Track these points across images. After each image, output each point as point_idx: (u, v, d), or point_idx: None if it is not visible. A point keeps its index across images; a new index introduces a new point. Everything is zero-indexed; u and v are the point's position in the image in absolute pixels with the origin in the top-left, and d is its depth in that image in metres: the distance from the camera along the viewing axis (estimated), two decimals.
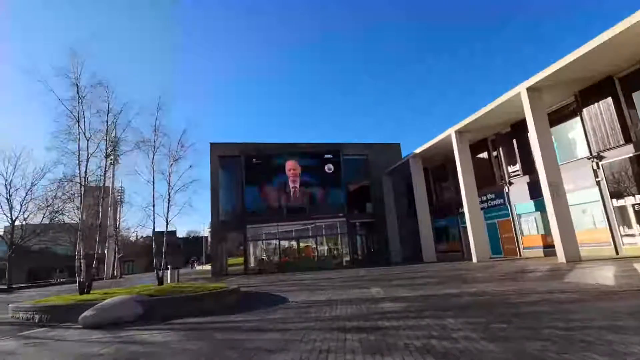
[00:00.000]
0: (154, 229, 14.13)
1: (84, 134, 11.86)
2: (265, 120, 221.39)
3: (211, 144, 27.85)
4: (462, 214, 22.48)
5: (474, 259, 17.64)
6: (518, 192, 18.20)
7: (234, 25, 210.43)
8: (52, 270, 41.41)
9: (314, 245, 27.19)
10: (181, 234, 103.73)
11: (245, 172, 26.95)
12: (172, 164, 14.51)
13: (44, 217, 22.65)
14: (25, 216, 22.91)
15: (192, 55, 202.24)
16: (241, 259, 26.81)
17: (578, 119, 14.88)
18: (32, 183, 22.22)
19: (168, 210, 14.11)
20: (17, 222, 23.75)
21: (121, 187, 53.23)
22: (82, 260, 11.52)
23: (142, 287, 11.69)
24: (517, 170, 18.43)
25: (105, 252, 36.37)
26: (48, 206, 22.89)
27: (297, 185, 27.39)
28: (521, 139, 17.90)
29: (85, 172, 11.82)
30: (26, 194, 22.24)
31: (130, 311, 7.89)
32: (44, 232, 28.65)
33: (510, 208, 18.71)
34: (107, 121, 12.50)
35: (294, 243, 27.59)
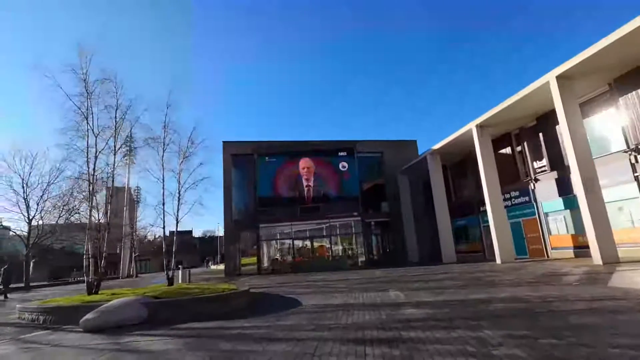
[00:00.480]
0: (164, 227, 13.83)
1: (92, 130, 11.61)
2: (277, 120, 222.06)
3: (224, 142, 27.61)
4: (484, 212, 21.47)
5: (498, 260, 16.67)
6: (545, 189, 17.11)
7: (242, 25, 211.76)
8: (72, 269, 42.24)
9: (328, 245, 26.57)
10: (197, 233, 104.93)
11: (258, 171, 26.57)
12: (182, 161, 14.19)
13: (60, 217, 22.84)
14: (42, 215, 23.15)
15: (202, 56, 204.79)
16: (255, 259, 26.47)
17: (613, 109, 13.76)
18: (48, 182, 22.42)
19: (178, 209, 13.82)
20: (34, 222, 24.12)
21: (137, 186, 54.05)
22: (90, 260, 11.26)
23: (151, 288, 11.33)
24: (544, 166, 17.34)
25: (121, 251, 36.72)
26: (64, 205, 23.08)
27: (311, 183, 26.83)
28: (548, 133, 16.83)
29: (94, 169, 11.56)
30: (43, 192, 22.47)
31: (134, 314, 7.47)
32: (61, 232, 29.07)
33: (537, 206, 17.62)
34: (115, 117, 12.24)
35: (307, 243, 27.06)
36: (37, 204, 22.26)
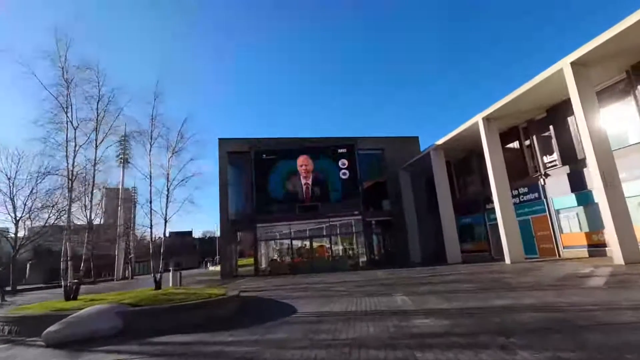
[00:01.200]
0: (150, 227, 12.88)
1: (71, 122, 10.70)
2: (274, 119, 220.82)
3: (220, 139, 26.69)
4: (490, 210, 20.60)
5: (507, 260, 15.77)
6: (556, 184, 16.19)
7: (240, 18, 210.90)
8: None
9: (328, 245, 25.65)
10: (197, 234, 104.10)
11: (255, 169, 25.67)
12: (171, 157, 13.27)
13: (49, 217, 21.92)
14: (31, 216, 22.23)
15: (196, 48, 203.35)
16: (252, 260, 25.57)
17: (631, 98, 12.85)
18: (36, 180, 21.51)
19: (167, 207, 12.89)
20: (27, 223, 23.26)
21: (134, 187, 53.13)
22: (68, 262, 10.36)
23: (135, 293, 10.44)
24: (555, 161, 16.43)
25: (116, 253, 35.82)
26: (54, 205, 22.16)
27: (309, 181, 25.93)
28: (559, 125, 15.93)
29: (73, 164, 10.66)
30: (30, 191, 21.56)
31: (106, 325, 6.57)
32: (54, 232, 28.18)
33: (547, 203, 16.70)
34: (97, 109, 11.33)
35: (306, 243, 26.14)
36: (24, 204, 21.40)
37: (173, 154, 13.39)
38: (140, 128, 13.03)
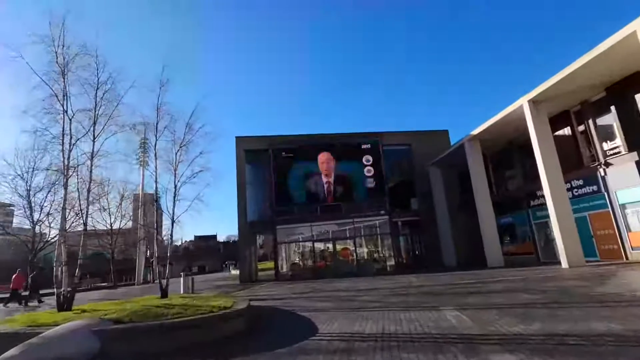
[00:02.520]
0: (156, 229, 11.67)
1: (66, 112, 9.62)
2: (293, 117, 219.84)
3: (237, 137, 25.57)
4: (535, 207, 18.32)
5: (564, 264, 13.50)
6: (620, 174, 13.79)
7: (252, 16, 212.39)
8: (100, 274, 42.02)
9: (352, 248, 23.91)
10: (221, 238, 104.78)
11: (273, 167, 24.36)
12: (178, 151, 12.04)
13: (67, 219, 21.38)
14: (50, 220, 21.86)
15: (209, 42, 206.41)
16: (272, 264, 24.24)
17: None
18: (53, 183, 21.08)
19: (174, 206, 11.66)
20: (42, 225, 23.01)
21: (155, 190, 53.29)
22: (62, 268, 9.23)
23: (133, 303, 9.18)
24: (618, 147, 14.06)
25: (137, 256, 35.49)
26: (71, 208, 21.67)
27: (332, 180, 24.34)
28: (623, 105, 13.56)
29: (69, 159, 9.55)
30: (47, 193, 21.15)
31: (78, 348, 5.18)
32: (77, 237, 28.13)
33: (609, 196, 14.30)
34: (95, 97, 10.24)
35: (329, 245, 24.51)
36: (41, 207, 21.04)
37: (181, 147, 12.15)
38: (145, 119, 11.88)
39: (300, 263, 24.37)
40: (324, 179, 24.35)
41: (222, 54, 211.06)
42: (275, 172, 24.27)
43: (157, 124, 11.77)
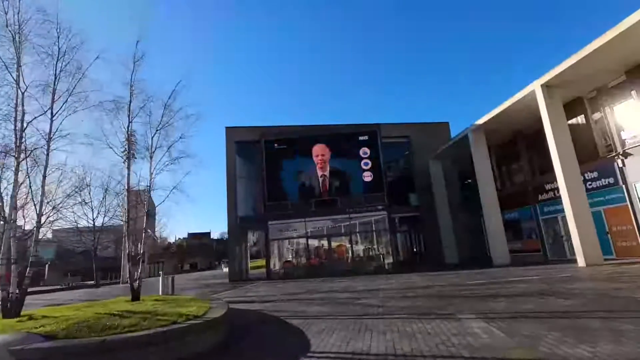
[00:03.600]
0: (127, 221, 10.22)
1: (18, 85, 8.21)
2: (287, 108, 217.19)
3: (227, 128, 24.22)
4: (544, 202, 17.24)
5: (580, 262, 12.37)
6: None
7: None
8: (91, 272, 40.63)
9: (348, 245, 22.68)
10: (215, 235, 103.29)
11: (266, 160, 23.00)
12: (155, 134, 10.67)
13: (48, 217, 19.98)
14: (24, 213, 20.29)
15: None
16: (264, 261, 22.94)
17: None
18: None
19: (149, 197, 10.32)
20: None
21: (147, 186, 51.69)
22: (13, 266, 7.85)
23: (110, 304, 7.89)
24: (638, 136, 12.95)
25: (121, 254, 33.83)
26: (49, 202, 20.25)
27: (327, 173, 23.04)
28: None
29: (20, 139, 8.15)
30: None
31: None
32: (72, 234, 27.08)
33: (627, 190, 13.21)
34: (55, 68, 8.83)
35: (324, 242, 23.22)
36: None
37: (157, 131, 10.77)
38: (118, 99, 10.46)
39: (294, 261, 23.09)
40: (319, 172, 23.04)
41: (205, 33, 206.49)
42: (267, 164, 22.93)
43: (130, 103, 10.36)
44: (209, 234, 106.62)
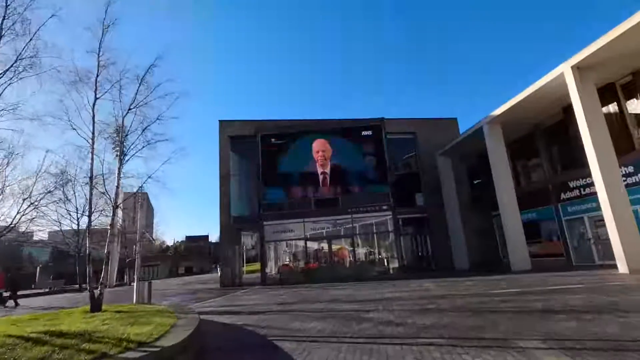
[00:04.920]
0: (89, 215, 8.55)
1: None
2: (285, 101, 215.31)
3: (221, 121, 22.58)
4: (566, 201, 15.61)
5: (622, 268, 10.70)
6: None
7: None
8: (84, 276, 38.81)
9: (350, 248, 20.98)
10: (214, 238, 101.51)
11: (262, 156, 21.36)
12: (126, 114, 9.02)
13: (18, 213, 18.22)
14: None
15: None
16: (259, 265, 21.23)
17: None
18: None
19: (118, 187, 8.67)
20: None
21: (140, 187, 50.09)
22: None
23: (63, 315, 6.22)
24: None
25: (109, 256, 32.09)
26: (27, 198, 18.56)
27: (328, 170, 21.40)
28: None
29: None
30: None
31: None
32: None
33: None
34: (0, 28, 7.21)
35: (324, 245, 21.52)
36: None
37: (130, 110, 9.11)
38: (81, 71, 8.82)
39: (291, 265, 21.37)
40: (319, 170, 21.40)
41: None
42: (263, 160, 21.30)
43: (97, 76, 8.72)
44: (206, 237, 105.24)
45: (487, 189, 20.63)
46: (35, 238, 39.24)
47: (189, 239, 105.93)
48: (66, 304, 14.17)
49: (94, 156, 8.50)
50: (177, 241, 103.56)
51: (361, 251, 21.63)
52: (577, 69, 12.13)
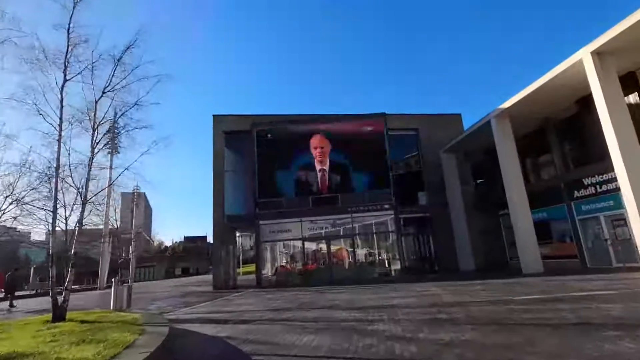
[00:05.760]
0: (54, 211, 7.55)
1: None
2: (282, 95, 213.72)
3: (214, 116, 21.64)
4: (580, 200, 14.68)
5: None
6: None
7: None
8: (81, 277, 38.27)
9: (350, 249, 20.02)
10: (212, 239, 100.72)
11: (258, 152, 20.41)
12: (100, 98, 8.04)
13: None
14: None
15: None
16: (255, 266, 20.26)
17: None
18: None
19: (88, 179, 7.66)
20: None
21: (136, 186, 49.17)
22: None
23: (17, 327, 5.24)
24: None
25: (100, 256, 31.08)
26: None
27: (326, 167, 20.45)
28: None
29: None
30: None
31: None
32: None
33: None
34: None
35: (322, 245, 20.55)
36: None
37: (104, 94, 8.13)
38: (47, 48, 7.84)
39: (288, 266, 20.40)
40: (318, 166, 20.45)
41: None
42: (259, 157, 20.33)
43: (67, 54, 7.75)
44: (205, 237, 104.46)
45: (493, 187, 19.72)
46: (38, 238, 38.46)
47: (188, 239, 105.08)
48: (34, 308, 13.23)
49: (62, 144, 7.51)
50: (176, 242, 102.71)
51: (361, 252, 20.68)
52: (597, 54, 11.19)
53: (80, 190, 7.66)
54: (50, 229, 7.25)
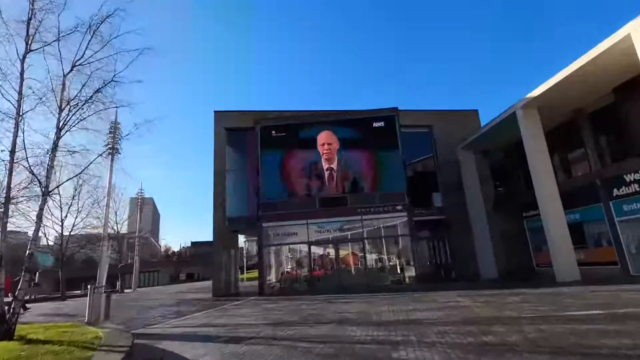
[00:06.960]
0: (6, 201, 6.30)
1: None
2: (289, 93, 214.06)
3: (216, 112, 20.47)
4: (620, 199, 13.04)
5: None
6: None
7: None
8: (87, 280, 37.44)
9: (360, 254, 18.52)
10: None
11: (262, 150, 19.12)
12: (69, 73, 6.83)
13: None
14: None
15: None
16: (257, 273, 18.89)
17: None
18: None
19: (50, 167, 6.39)
20: None
21: (141, 188, 48.47)
22: None
23: None
24: None
25: (100, 261, 29.96)
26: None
27: (335, 166, 19.05)
28: None
29: None
30: None
31: None
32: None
33: None
34: None
35: (330, 250, 19.11)
36: None
37: (75, 67, 6.90)
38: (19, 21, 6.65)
39: (293, 272, 18.97)
40: (325, 165, 19.06)
41: None
42: (263, 155, 19.03)
43: (29, 20, 6.55)
44: (212, 242, 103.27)
45: (516, 187, 18.15)
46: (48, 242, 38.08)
47: (195, 244, 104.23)
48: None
49: (20, 125, 6.27)
50: (183, 247, 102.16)
51: (371, 257, 19.16)
52: None
53: (40, 178, 6.38)
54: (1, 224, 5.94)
